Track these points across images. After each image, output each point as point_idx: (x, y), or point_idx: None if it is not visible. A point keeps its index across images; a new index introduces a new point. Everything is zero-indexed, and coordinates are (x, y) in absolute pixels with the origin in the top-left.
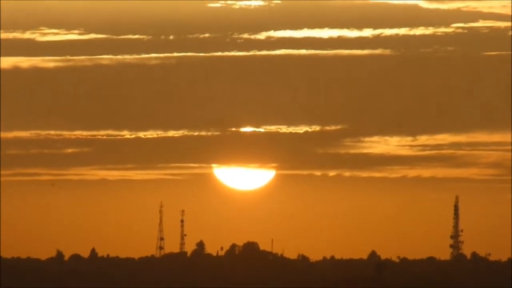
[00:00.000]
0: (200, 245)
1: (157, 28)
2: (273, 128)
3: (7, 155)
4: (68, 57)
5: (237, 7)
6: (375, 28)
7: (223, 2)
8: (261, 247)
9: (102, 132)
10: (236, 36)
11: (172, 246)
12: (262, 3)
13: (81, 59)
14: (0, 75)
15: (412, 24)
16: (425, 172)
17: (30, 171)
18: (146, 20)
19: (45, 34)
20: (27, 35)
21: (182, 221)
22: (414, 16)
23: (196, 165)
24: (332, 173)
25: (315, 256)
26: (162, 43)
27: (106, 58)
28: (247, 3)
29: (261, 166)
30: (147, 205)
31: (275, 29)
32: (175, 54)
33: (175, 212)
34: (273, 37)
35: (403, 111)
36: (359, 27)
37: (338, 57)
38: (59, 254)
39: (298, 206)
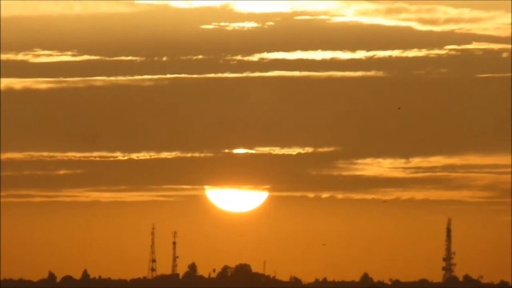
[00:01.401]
0: (192, 267)
1: (150, 50)
2: (266, 149)
3: None
4: (61, 79)
5: (230, 29)
6: (368, 50)
7: (216, 24)
8: (254, 269)
9: (95, 154)
10: (229, 58)
11: (164, 268)
12: (255, 25)
13: (74, 81)
14: None
15: (405, 46)
16: (418, 195)
17: (23, 192)
18: (139, 42)
19: (38, 55)
20: (21, 56)
21: (174, 243)
22: (407, 38)
23: (188, 186)
24: (325, 195)
25: (307, 278)
26: (155, 64)
27: (99, 80)
28: (240, 25)
29: (254, 188)
30: (139, 226)
31: (268, 51)
32: (168, 76)
33: (167, 234)
34: (266, 58)
35: (396, 133)
36: (352, 49)
37: (331, 79)
38: (51, 276)
39: (291, 228)
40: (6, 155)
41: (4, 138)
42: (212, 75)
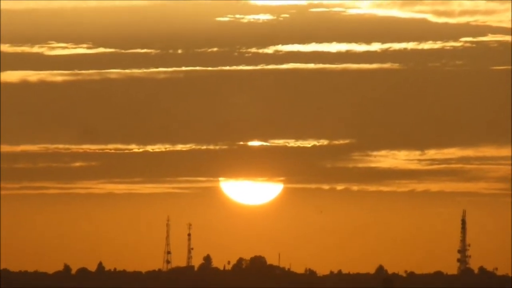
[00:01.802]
0: (207, 259)
1: (165, 42)
2: (281, 142)
3: (15, 169)
4: (77, 71)
5: (245, 21)
6: (383, 42)
7: (231, 16)
8: (268, 261)
9: (110, 146)
10: (244, 50)
11: (179, 260)
12: (270, 17)
13: (90, 73)
14: (8, 89)
15: (420, 38)
16: (434, 186)
17: (38, 184)
18: (154, 34)
19: (53, 48)
20: (36, 49)
21: (189, 234)
22: (422, 30)
23: (203, 179)
24: (340, 187)
25: (322, 270)
26: (170, 57)
27: (114, 72)
28: (255, 17)
29: (269, 180)
30: (154, 218)
31: (283, 43)
32: (183, 68)
33: (182, 225)
34: (281, 51)
35: (411, 125)
36: (368, 41)
37: (346, 71)
38: (67, 268)
39: (305, 220)
40: (21, 147)
41: (20, 130)
42: (227, 67)
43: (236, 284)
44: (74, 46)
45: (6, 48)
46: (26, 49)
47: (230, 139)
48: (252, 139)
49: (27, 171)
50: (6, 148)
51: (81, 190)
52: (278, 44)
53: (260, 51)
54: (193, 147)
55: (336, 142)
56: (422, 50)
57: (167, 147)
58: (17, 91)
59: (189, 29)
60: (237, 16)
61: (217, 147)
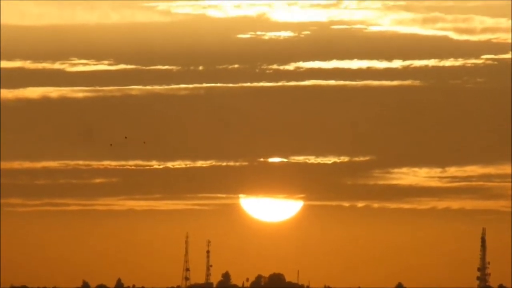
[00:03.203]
0: (226, 276)
1: (187, 59)
2: (301, 158)
3: (35, 185)
4: (98, 88)
5: (266, 38)
6: (404, 59)
7: (252, 33)
8: (287, 279)
9: (130, 162)
10: (265, 67)
11: (198, 277)
12: (291, 34)
13: (111, 90)
14: (29, 105)
15: (442, 56)
16: (454, 204)
17: (58, 201)
18: (175, 51)
19: (74, 64)
20: (57, 65)
21: (208, 251)
22: (444, 48)
23: (223, 195)
24: (360, 204)
25: (341, 287)
26: (191, 73)
27: (135, 89)
28: (277, 34)
29: (289, 197)
30: (173, 235)
31: (304, 60)
32: (204, 85)
33: (201, 242)
34: (302, 67)
35: (432, 142)
36: (389, 58)
37: (367, 88)
38: (85, 284)
39: (325, 237)
40: (42, 164)
41: (40, 146)
42: (248, 84)
43: None
44: (95, 62)
45: (27, 64)
46: (47, 65)
47: (251, 155)
48: (272, 155)
49: (48, 188)
50: (26, 164)
51: (101, 207)
52: (299, 60)
53: (281, 67)
54: (214, 163)
55: (356, 159)
56: (443, 67)
57: (188, 163)
58: (38, 107)
59: (210, 46)
60: (258, 33)
61: (237, 164)
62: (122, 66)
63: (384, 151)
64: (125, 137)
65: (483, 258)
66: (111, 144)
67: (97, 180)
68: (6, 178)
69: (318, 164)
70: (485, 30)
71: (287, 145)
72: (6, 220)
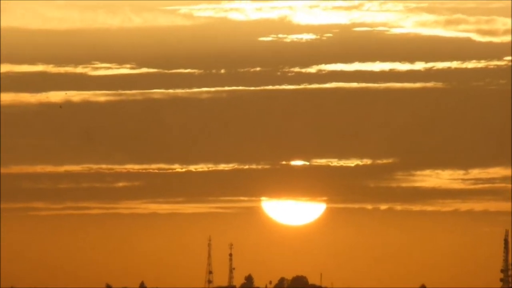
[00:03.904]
0: (249, 278)
1: (209, 62)
2: (323, 161)
3: (58, 189)
4: (120, 91)
5: (288, 40)
6: (427, 61)
7: (274, 36)
8: (310, 281)
9: (153, 166)
10: (287, 70)
11: (220, 280)
12: (313, 36)
13: (133, 93)
14: (52, 109)
15: (464, 57)
16: (477, 206)
17: (81, 205)
18: (197, 55)
19: (97, 68)
20: (79, 69)
21: (230, 254)
22: (466, 49)
23: (245, 198)
24: (383, 206)
25: None
26: (213, 77)
27: (157, 92)
28: (299, 36)
29: (311, 200)
30: (196, 238)
31: (326, 63)
32: (226, 88)
33: (224, 245)
34: (324, 70)
35: (455, 145)
36: (411, 60)
37: (389, 90)
38: (108, 287)
39: (348, 240)
40: (64, 168)
41: (63, 150)
42: (270, 87)
43: None
44: (117, 66)
45: (50, 68)
46: (69, 69)
47: (273, 158)
48: (294, 158)
49: (70, 192)
50: (49, 168)
51: (124, 210)
52: (321, 63)
53: (303, 70)
54: (236, 166)
55: (379, 161)
56: (466, 69)
57: (210, 166)
58: (61, 111)
59: (232, 49)
60: (280, 35)
61: (260, 167)
62: (144, 70)
63: (407, 153)
64: (60, 107)
65: (506, 259)
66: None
67: (120, 184)
68: (29, 182)
69: (341, 166)
70: (507, 32)
71: (309, 148)
72: (30, 224)
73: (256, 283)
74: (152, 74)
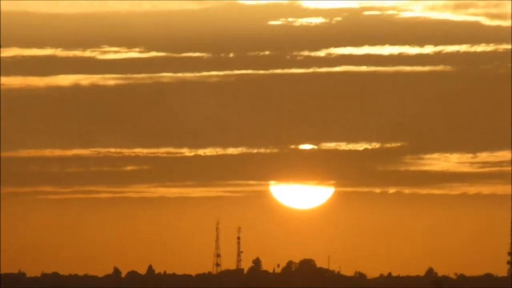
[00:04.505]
0: (257, 262)
1: (217, 46)
2: (332, 145)
3: (67, 173)
4: (129, 75)
5: (297, 24)
6: (436, 44)
7: (283, 19)
8: (318, 264)
9: (161, 150)
10: (296, 53)
11: (229, 263)
12: (322, 20)
13: (142, 77)
14: (60, 93)
15: (473, 41)
16: (485, 189)
17: (89, 188)
18: (206, 38)
19: (105, 52)
20: (88, 53)
21: (238, 238)
22: (475, 33)
23: (254, 182)
24: (391, 190)
25: (372, 273)
26: (222, 60)
27: (166, 76)
28: (308, 20)
29: (320, 184)
30: (204, 222)
31: (336, 46)
32: (235, 72)
33: (232, 229)
34: (333, 53)
35: (463, 128)
36: (420, 44)
37: (398, 74)
38: (116, 271)
39: (356, 223)
40: (73, 152)
41: (71, 134)
42: (279, 70)
43: (286, 287)
44: (126, 50)
45: (58, 52)
46: (78, 53)
47: (281, 142)
48: (303, 142)
49: (79, 175)
50: (58, 152)
51: (133, 194)
52: (330, 47)
53: (312, 54)
54: (244, 150)
55: (388, 145)
56: (475, 53)
57: (218, 150)
58: (69, 95)
59: (241, 33)
60: (290, 19)
61: (268, 151)
62: (153, 54)
63: (415, 137)
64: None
65: None
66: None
67: (128, 168)
68: (38, 166)
69: (349, 150)
70: None
71: (318, 131)
72: (38, 208)
73: (264, 267)
74: (160, 58)
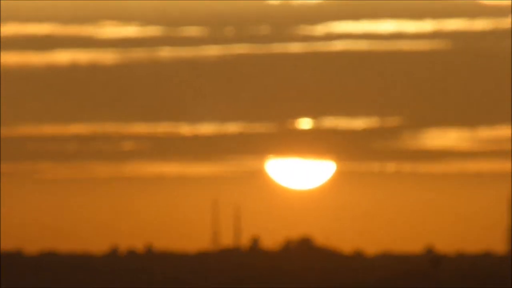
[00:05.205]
0: (255, 240)
1: (216, 23)
2: (330, 123)
3: (64, 151)
4: (127, 49)
5: (296, 4)
6: (435, 20)
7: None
8: (316, 243)
9: (160, 127)
10: (295, 29)
11: (227, 241)
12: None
13: (139, 52)
14: (57, 69)
15: (473, 17)
16: (485, 166)
17: (87, 166)
18: (205, 14)
19: (103, 27)
20: (85, 28)
21: (237, 216)
22: (475, 9)
23: (252, 160)
24: (390, 167)
25: (370, 251)
26: (220, 37)
27: (164, 50)
28: (307, 2)
29: (319, 161)
30: (202, 200)
31: (334, 23)
32: (234, 47)
33: (230, 207)
34: (332, 31)
35: (463, 105)
36: (419, 19)
37: (398, 50)
38: (115, 250)
39: (355, 201)
40: (70, 129)
41: (69, 112)
42: (277, 48)
43: (284, 265)
44: (123, 25)
45: (56, 28)
46: (75, 29)
47: (279, 120)
48: (301, 120)
49: (77, 153)
50: (55, 129)
51: (131, 172)
52: (329, 23)
53: (311, 31)
54: (243, 128)
55: (386, 121)
56: (474, 29)
57: (216, 128)
58: (66, 72)
59: (240, 9)
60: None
61: (266, 129)
62: (150, 29)
63: (415, 113)
64: None
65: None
66: None
67: (126, 145)
68: (35, 143)
69: (348, 128)
70: None
71: (316, 108)
72: (35, 186)
73: (262, 245)
74: (158, 33)
